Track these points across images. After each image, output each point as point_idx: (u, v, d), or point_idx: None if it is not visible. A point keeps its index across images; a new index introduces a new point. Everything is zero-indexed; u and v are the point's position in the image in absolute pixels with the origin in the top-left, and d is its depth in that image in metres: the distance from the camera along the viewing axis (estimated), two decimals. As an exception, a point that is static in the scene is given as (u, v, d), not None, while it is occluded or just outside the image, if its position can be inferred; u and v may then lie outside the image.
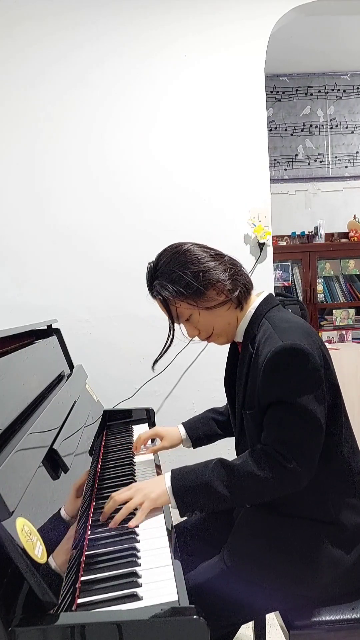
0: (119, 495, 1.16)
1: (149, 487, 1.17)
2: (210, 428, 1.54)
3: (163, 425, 1.61)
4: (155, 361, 1.37)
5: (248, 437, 1.26)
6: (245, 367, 1.24)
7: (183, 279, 1.21)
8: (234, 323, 1.28)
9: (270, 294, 1.31)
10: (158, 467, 1.47)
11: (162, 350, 1.33)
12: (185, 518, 1.46)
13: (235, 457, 1.32)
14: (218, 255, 1.27)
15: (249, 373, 1.23)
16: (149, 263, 1.29)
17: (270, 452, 1.13)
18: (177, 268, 1.22)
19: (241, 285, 1.25)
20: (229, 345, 1.39)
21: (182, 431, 1.55)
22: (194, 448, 1.56)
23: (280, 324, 1.20)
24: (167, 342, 1.32)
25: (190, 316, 1.26)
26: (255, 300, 1.29)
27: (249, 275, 1.32)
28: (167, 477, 1.18)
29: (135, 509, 1.14)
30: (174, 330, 1.31)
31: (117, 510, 1.14)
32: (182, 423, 1.57)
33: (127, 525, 1.10)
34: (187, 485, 1.15)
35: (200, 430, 1.54)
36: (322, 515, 1.20)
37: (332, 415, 1.21)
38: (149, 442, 1.62)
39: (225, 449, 1.58)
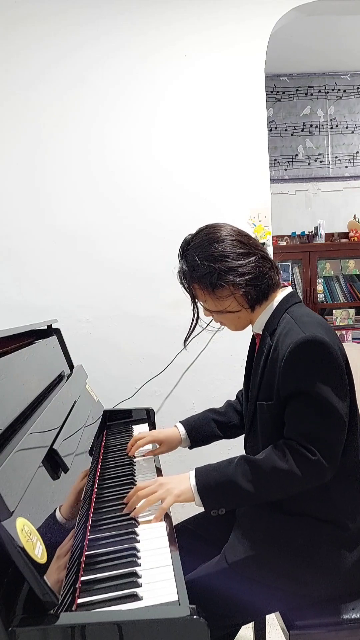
0: (143, 490, 1.17)
1: (173, 483, 1.17)
2: (211, 429, 1.52)
3: (163, 427, 1.60)
4: (186, 339, 1.39)
5: (260, 429, 1.25)
6: (263, 359, 1.24)
7: (201, 269, 1.23)
8: (245, 317, 1.30)
9: (293, 291, 1.32)
10: (158, 470, 1.47)
11: (190, 328, 1.37)
12: (184, 518, 1.47)
13: (244, 452, 1.32)
14: (249, 254, 1.24)
15: (267, 365, 1.23)
16: (188, 235, 1.32)
17: (292, 445, 1.13)
18: (200, 257, 1.24)
19: (258, 290, 1.25)
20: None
21: (182, 430, 1.52)
22: (190, 448, 1.55)
23: (301, 318, 1.21)
24: (192, 320, 1.36)
25: (204, 301, 1.30)
26: (278, 295, 1.29)
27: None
28: (191, 475, 1.18)
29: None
30: (197, 308, 1.34)
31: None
32: (181, 422, 1.54)
33: (150, 519, 1.13)
34: (211, 483, 1.16)
35: (201, 431, 1.52)
36: (325, 514, 1.19)
37: (349, 413, 1.20)
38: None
39: (225, 448, 1.57)
